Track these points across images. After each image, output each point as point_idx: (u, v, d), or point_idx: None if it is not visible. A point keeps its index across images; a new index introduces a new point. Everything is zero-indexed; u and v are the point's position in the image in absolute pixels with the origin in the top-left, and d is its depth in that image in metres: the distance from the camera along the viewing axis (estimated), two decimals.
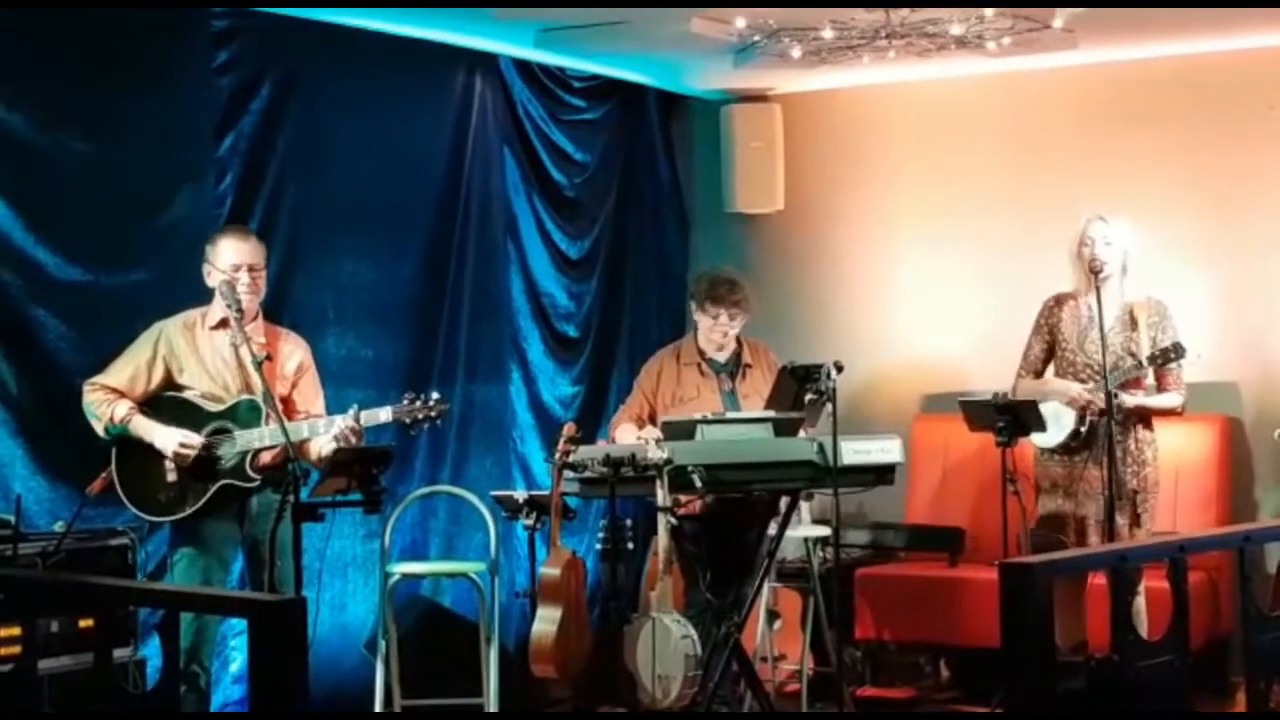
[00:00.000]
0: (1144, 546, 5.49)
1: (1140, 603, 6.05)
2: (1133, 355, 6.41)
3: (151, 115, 6.48)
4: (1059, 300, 6.66)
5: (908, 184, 8.34)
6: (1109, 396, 6.28)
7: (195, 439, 5.84)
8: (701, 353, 6.78)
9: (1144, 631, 5.54)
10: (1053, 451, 6.55)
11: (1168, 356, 6.36)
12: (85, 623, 5.57)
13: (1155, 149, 7.74)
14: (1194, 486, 7.32)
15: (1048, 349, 6.67)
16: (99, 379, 5.91)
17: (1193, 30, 7.25)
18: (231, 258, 5.93)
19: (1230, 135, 7.63)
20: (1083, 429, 6.44)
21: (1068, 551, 6.05)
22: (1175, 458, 6.99)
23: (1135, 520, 6.43)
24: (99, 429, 5.87)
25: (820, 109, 8.49)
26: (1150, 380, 6.48)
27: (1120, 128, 7.81)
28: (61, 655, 5.56)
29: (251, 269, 5.96)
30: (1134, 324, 6.46)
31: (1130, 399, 6.42)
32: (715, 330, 6.72)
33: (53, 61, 6.17)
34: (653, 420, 6.66)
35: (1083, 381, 6.47)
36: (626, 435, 6.61)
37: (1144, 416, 6.50)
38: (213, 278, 5.94)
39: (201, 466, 5.86)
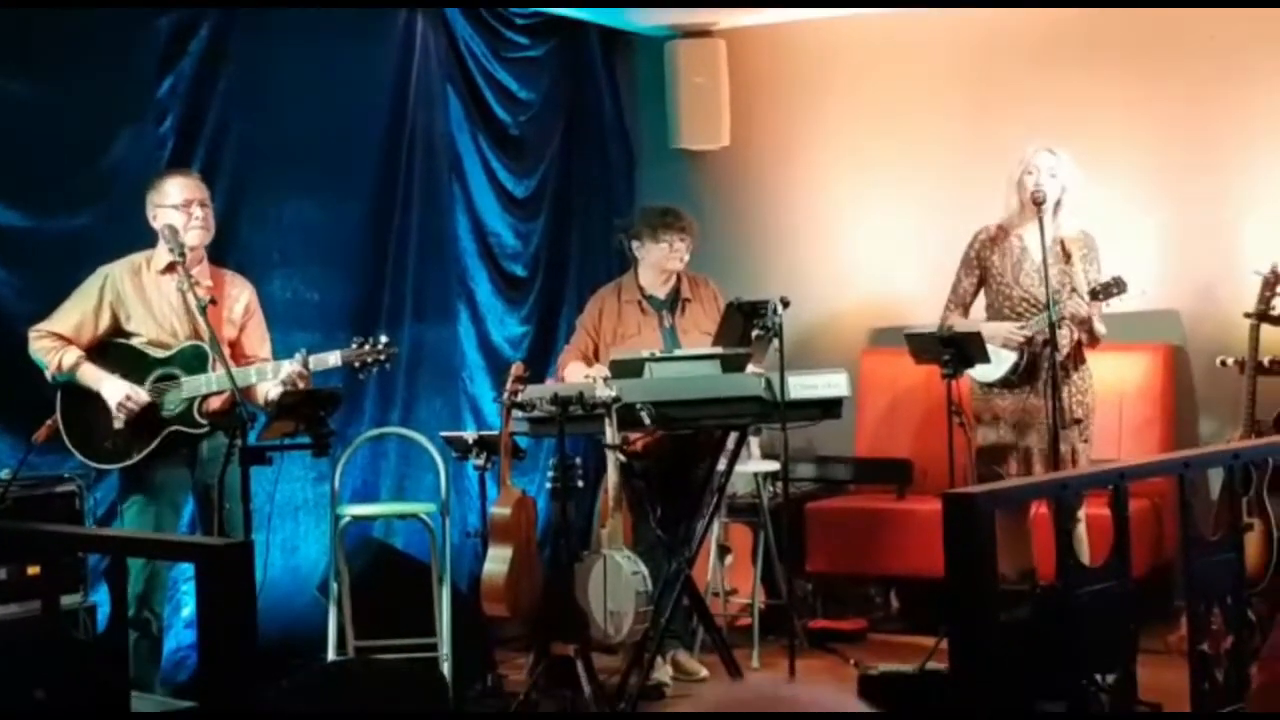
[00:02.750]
0: (1085, 475, 5.55)
1: (1081, 530, 6.11)
2: (1071, 289, 6.39)
3: (89, 58, 6.40)
4: (988, 233, 6.63)
5: (854, 118, 8.33)
6: (1053, 329, 6.29)
7: (142, 395, 5.81)
8: (642, 289, 6.79)
9: (1085, 558, 5.62)
10: (992, 385, 6.58)
11: (1109, 291, 6.27)
12: (33, 570, 5.55)
13: (1100, 81, 7.74)
14: (1137, 414, 7.38)
15: (978, 284, 6.65)
16: (45, 325, 5.87)
17: None
18: (180, 194, 5.90)
19: (1173, 65, 7.65)
20: (1022, 362, 6.47)
21: (1010, 481, 6.10)
22: (1118, 386, 7.03)
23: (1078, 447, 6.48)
24: (48, 375, 5.86)
25: (765, 44, 8.46)
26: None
27: (1067, 61, 7.80)
28: (10, 603, 5.56)
29: (202, 204, 5.94)
30: (1067, 257, 6.44)
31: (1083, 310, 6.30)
32: (671, 258, 6.72)
33: None
34: (598, 357, 6.68)
35: (1020, 315, 6.48)
36: (575, 373, 6.62)
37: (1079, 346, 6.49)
38: (157, 220, 5.90)
39: (148, 415, 5.83)
